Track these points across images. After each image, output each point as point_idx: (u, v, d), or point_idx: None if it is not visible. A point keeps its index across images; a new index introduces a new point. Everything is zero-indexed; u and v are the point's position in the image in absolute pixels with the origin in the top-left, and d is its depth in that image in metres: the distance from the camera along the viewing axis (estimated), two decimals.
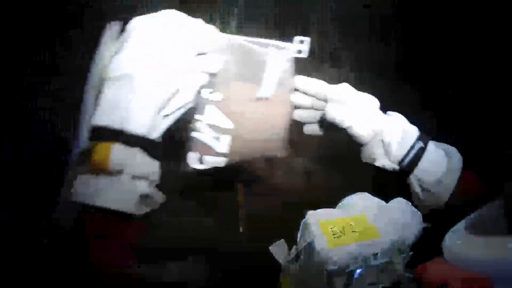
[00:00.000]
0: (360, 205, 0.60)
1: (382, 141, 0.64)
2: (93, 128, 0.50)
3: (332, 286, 0.53)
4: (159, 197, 0.52)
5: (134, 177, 0.50)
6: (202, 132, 0.60)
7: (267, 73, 0.61)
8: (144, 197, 0.50)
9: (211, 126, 0.60)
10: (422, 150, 0.64)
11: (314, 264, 0.53)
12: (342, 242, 0.53)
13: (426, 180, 0.64)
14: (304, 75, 0.67)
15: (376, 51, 1.08)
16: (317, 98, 0.67)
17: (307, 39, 0.63)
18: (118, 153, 0.48)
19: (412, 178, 0.65)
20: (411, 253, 0.56)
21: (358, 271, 0.54)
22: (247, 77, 0.61)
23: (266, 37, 0.63)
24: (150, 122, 0.51)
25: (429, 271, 0.47)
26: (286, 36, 0.64)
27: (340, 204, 0.62)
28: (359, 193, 0.63)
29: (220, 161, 0.62)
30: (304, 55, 0.64)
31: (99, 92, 0.52)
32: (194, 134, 0.60)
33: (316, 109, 0.68)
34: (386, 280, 0.56)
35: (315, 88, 0.66)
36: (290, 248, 0.59)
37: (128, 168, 0.49)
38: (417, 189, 0.65)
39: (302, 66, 0.66)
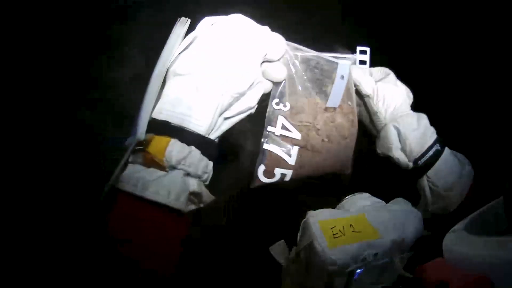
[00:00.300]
0: (360, 205, 0.60)
1: (399, 131, 0.63)
2: (153, 121, 0.50)
3: (332, 286, 0.53)
4: (208, 197, 0.52)
5: (187, 174, 0.49)
6: (273, 144, 0.59)
7: (335, 83, 0.60)
8: (193, 195, 0.50)
9: (282, 137, 0.59)
10: (439, 153, 0.64)
11: (314, 264, 0.53)
12: (342, 242, 0.53)
13: (438, 184, 0.64)
14: None
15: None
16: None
17: (368, 49, 0.64)
18: (174, 148, 0.48)
19: (424, 180, 0.65)
20: (411, 253, 0.57)
21: (358, 271, 0.54)
22: (314, 88, 0.61)
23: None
24: (210, 123, 0.50)
25: (429, 271, 0.47)
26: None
27: (340, 204, 0.62)
28: (359, 193, 0.63)
29: (288, 175, 0.61)
30: (366, 65, 0.65)
31: (162, 85, 0.52)
32: (265, 146, 0.59)
33: None
34: (386, 280, 0.56)
35: (362, 76, 0.64)
36: (290, 249, 0.59)
37: (182, 164, 0.49)
38: (428, 192, 0.65)
39: None
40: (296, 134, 0.60)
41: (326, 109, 0.61)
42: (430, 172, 0.64)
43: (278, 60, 0.57)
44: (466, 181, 0.65)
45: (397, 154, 0.64)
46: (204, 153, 0.51)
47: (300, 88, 0.60)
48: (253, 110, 0.56)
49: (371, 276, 0.55)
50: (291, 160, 0.60)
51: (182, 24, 0.54)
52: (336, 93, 0.60)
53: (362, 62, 0.65)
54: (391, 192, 0.64)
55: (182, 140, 0.49)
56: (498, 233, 0.44)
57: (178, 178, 0.48)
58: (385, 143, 0.64)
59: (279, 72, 0.57)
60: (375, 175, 0.78)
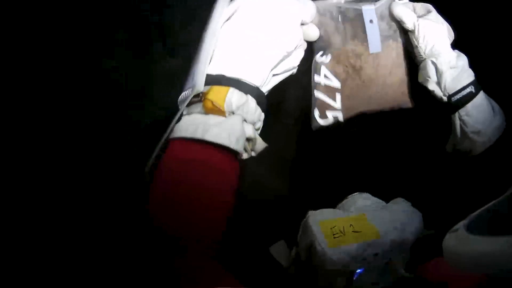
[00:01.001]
0: (360, 205, 0.60)
1: (435, 66, 0.65)
2: (208, 75, 0.53)
3: (333, 286, 0.53)
4: (261, 144, 0.55)
5: (244, 121, 0.53)
6: (320, 91, 0.67)
7: (367, 29, 0.65)
8: (248, 141, 0.54)
9: (326, 86, 0.67)
10: (472, 95, 0.66)
11: (315, 264, 0.53)
12: (342, 242, 0.53)
13: (468, 125, 0.65)
14: None
15: None
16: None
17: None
18: (233, 96, 0.52)
19: (456, 117, 0.66)
20: (411, 253, 0.57)
21: (358, 271, 0.54)
22: (349, 36, 0.66)
23: None
24: (263, 77, 0.55)
25: (429, 271, 0.47)
26: None
27: (340, 204, 0.62)
28: (359, 193, 0.63)
29: (340, 116, 0.68)
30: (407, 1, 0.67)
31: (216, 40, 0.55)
32: (315, 92, 0.67)
33: None
34: (386, 280, 0.56)
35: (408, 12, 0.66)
36: (290, 249, 0.59)
37: (240, 111, 0.52)
38: (458, 130, 0.67)
39: None
40: (336, 83, 0.67)
41: (371, 53, 0.66)
42: (461, 111, 0.65)
43: (311, 21, 0.63)
44: (494, 130, 0.66)
45: (432, 87, 0.66)
46: (258, 104, 0.55)
47: (336, 38, 0.66)
48: (295, 70, 0.62)
49: (371, 276, 0.55)
50: (337, 105, 0.67)
51: None
52: (373, 38, 0.65)
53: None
54: (391, 192, 0.64)
55: (241, 90, 0.53)
56: (498, 233, 0.44)
57: (238, 122, 0.52)
58: (423, 75, 0.67)
59: (313, 32, 0.63)
60: (375, 175, 0.78)
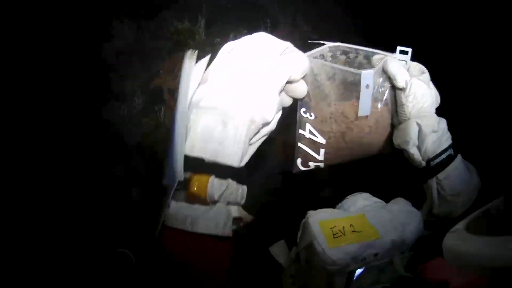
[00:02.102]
0: (360, 205, 0.60)
1: (420, 128, 0.64)
2: (188, 157, 0.52)
3: (333, 286, 0.53)
4: (248, 217, 0.56)
5: (228, 203, 0.54)
6: (304, 144, 0.67)
7: (361, 93, 0.62)
8: (235, 219, 0.55)
9: (310, 140, 0.67)
10: (451, 158, 0.65)
11: (314, 264, 0.53)
12: (342, 242, 0.53)
13: (446, 188, 0.64)
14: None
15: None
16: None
17: (409, 50, 0.65)
18: (214, 185, 0.52)
19: (434, 182, 0.65)
20: (411, 253, 0.57)
21: (358, 271, 0.54)
22: (338, 97, 0.64)
23: None
24: (241, 155, 0.52)
25: (429, 271, 0.47)
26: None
27: (340, 204, 0.62)
28: (359, 193, 0.63)
29: (321, 165, 0.68)
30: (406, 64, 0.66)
31: (188, 120, 0.53)
32: (299, 144, 0.68)
33: None
34: (386, 280, 0.56)
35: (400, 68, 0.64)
36: (290, 249, 0.59)
37: (223, 197, 0.53)
38: (435, 194, 0.65)
39: None
40: (321, 139, 0.66)
41: (360, 117, 0.65)
42: (440, 175, 0.64)
43: (301, 77, 0.59)
44: (473, 190, 0.66)
45: (413, 150, 0.65)
46: (237, 179, 0.54)
47: (324, 98, 0.64)
48: (271, 131, 0.60)
49: (371, 276, 0.55)
50: (320, 157, 0.68)
51: (191, 56, 0.56)
52: (364, 102, 0.63)
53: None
54: (391, 192, 0.64)
55: (217, 170, 0.52)
56: (498, 233, 0.44)
57: (222, 209, 0.53)
58: (404, 136, 0.65)
59: (301, 90, 0.60)
60: (376, 175, 0.78)
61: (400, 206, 0.60)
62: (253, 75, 0.53)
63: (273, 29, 1.23)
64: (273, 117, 0.56)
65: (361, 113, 0.64)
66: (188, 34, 1.17)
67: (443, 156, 0.64)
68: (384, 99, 0.66)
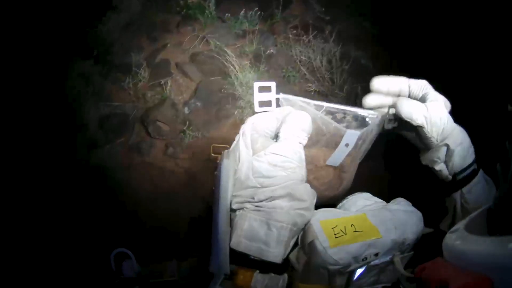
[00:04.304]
0: (361, 205, 0.61)
1: (448, 147, 0.64)
2: (234, 251, 0.56)
3: (334, 284, 0.54)
4: None
5: None
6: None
7: (338, 148, 0.65)
8: None
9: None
10: (475, 172, 0.65)
11: (316, 263, 0.53)
12: (343, 241, 0.53)
13: (470, 201, 0.65)
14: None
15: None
16: (398, 95, 0.66)
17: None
18: (257, 279, 0.55)
19: (458, 195, 0.66)
20: (411, 253, 0.57)
21: (358, 270, 0.54)
22: (322, 144, 0.67)
23: None
24: (284, 253, 0.56)
25: (429, 271, 0.47)
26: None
27: (341, 204, 0.62)
28: (360, 193, 0.64)
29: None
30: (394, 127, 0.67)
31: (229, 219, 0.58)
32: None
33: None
34: (387, 280, 0.56)
35: (399, 86, 0.66)
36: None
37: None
38: (459, 207, 0.66)
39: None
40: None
41: (327, 165, 0.67)
42: (464, 189, 0.65)
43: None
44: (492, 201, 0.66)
45: (440, 167, 0.66)
46: (278, 270, 0.57)
47: (309, 143, 0.65)
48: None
49: (372, 276, 0.56)
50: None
51: (228, 156, 0.60)
52: (337, 156, 0.66)
53: (390, 121, 0.67)
54: (391, 192, 0.64)
55: (263, 271, 0.56)
56: (497, 233, 0.45)
57: None
58: (432, 157, 0.66)
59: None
60: (378, 175, 0.78)
61: (400, 206, 0.60)
62: (285, 170, 0.57)
63: (285, 6, 1.23)
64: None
65: (329, 161, 0.67)
66: (198, 9, 1.17)
67: (469, 170, 0.65)
68: (356, 154, 0.68)
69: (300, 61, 1.17)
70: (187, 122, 1.06)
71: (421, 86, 0.66)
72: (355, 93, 1.11)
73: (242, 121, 0.88)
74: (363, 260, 0.53)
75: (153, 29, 1.15)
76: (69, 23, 0.95)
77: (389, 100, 0.67)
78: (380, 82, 0.65)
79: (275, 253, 0.55)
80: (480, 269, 0.42)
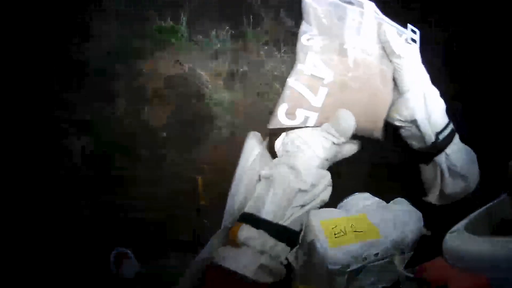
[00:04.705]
0: (361, 205, 0.61)
1: (425, 97, 0.60)
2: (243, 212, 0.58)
3: (333, 285, 0.54)
4: (281, 271, 0.57)
5: (259, 251, 0.55)
6: (299, 81, 0.55)
7: (349, 23, 0.56)
8: (266, 268, 0.55)
9: (311, 76, 0.55)
10: (453, 132, 0.62)
11: (316, 263, 0.53)
12: (343, 241, 0.53)
13: (457, 163, 0.61)
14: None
15: None
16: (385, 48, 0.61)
17: (417, 32, 0.62)
18: (244, 231, 0.55)
19: (443, 157, 0.62)
20: (411, 253, 0.57)
21: (358, 270, 0.54)
22: (347, 33, 0.57)
23: None
24: (277, 211, 0.56)
25: (429, 271, 0.47)
26: None
27: (341, 204, 0.62)
28: (359, 193, 0.63)
29: (313, 118, 0.56)
30: (417, 44, 0.62)
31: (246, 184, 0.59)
32: (291, 82, 0.55)
33: None
34: (386, 280, 0.56)
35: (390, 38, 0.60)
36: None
37: (252, 243, 0.55)
38: (446, 172, 0.62)
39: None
40: (327, 74, 0.55)
41: (359, 61, 0.57)
42: (448, 150, 0.61)
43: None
44: (476, 167, 0.63)
45: (424, 123, 0.61)
46: (272, 235, 0.56)
47: (334, 29, 0.56)
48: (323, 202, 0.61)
49: (371, 276, 0.56)
50: (317, 101, 0.56)
51: (253, 137, 0.61)
52: (351, 32, 0.56)
53: (413, 40, 0.62)
54: (391, 192, 0.64)
55: (254, 225, 0.56)
56: (497, 233, 0.45)
57: (248, 254, 0.55)
58: (410, 108, 0.61)
59: (348, 150, 0.63)
60: (378, 175, 0.78)
61: (400, 206, 0.60)
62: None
63: (256, 24, 1.23)
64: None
65: (346, 44, 0.56)
66: (170, 32, 1.18)
67: (448, 129, 0.62)
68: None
69: (273, 77, 1.19)
70: (166, 146, 1.07)
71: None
72: None
73: (221, 141, 0.90)
74: (363, 260, 0.53)
75: (129, 55, 1.17)
76: (48, 51, 0.96)
77: None
78: None
79: (268, 209, 0.56)
80: (480, 270, 0.43)
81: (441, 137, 0.61)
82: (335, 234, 0.53)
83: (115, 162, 1.04)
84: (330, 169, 0.63)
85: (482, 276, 0.42)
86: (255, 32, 1.26)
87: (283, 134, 0.59)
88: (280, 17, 1.27)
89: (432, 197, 0.65)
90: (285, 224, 0.56)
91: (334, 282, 0.53)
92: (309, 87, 0.55)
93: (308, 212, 0.57)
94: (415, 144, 0.64)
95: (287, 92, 0.55)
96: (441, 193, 0.65)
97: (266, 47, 1.24)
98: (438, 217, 0.67)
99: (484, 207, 0.52)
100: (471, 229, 0.48)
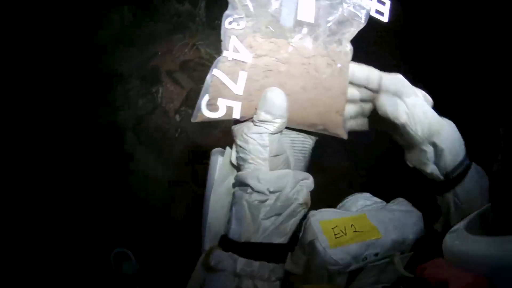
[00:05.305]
0: (361, 205, 0.61)
1: (435, 145, 0.59)
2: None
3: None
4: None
5: (232, 274, 0.53)
6: (221, 69, 0.51)
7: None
8: None
9: (233, 62, 0.51)
10: (467, 168, 0.61)
11: (316, 264, 0.53)
12: (343, 242, 0.53)
13: (463, 198, 0.61)
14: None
15: None
16: (367, 88, 0.59)
17: (388, 2, 0.57)
18: (216, 255, 0.54)
19: (451, 195, 0.62)
20: (411, 253, 0.57)
21: (358, 271, 0.54)
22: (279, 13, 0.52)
23: None
24: (244, 229, 0.53)
25: (429, 271, 0.47)
26: None
27: (341, 204, 0.62)
28: (359, 193, 0.64)
29: (237, 108, 0.52)
30: (384, 17, 0.57)
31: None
32: (213, 71, 0.51)
33: (364, 101, 0.61)
34: (386, 280, 0.56)
35: (368, 75, 0.58)
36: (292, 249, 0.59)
37: (222, 266, 0.54)
38: (452, 208, 0.62)
39: None
40: (246, 56, 0.50)
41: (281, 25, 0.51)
42: (458, 188, 0.61)
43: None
44: (485, 195, 0.61)
45: (431, 168, 0.60)
46: (244, 254, 0.55)
47: (260, 8, 0.51)
48: None
49: (372, 276, 0.56)
50: (238, 88, 0.51)
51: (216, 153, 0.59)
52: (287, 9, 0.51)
53: (379, 13, 0.57)
54: (392, 192, 0.64)
55: (225, 248, 0.54)
56: (497, 233, 0.45)
57: (222, 279, 0.53)
58: (421, 159, 0.60)
59: None
60: (377, 175, 0.78)
61: (400, 206, 0.61)
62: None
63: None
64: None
65: (282, 20, 0.51)
66: (188, 16, 1.17)
67: (461, 167, 0.60)
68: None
69: None
70: (179, 130, 1.07)
71: (396, 80, 0.58)
72: None
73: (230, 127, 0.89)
74: (363, 260, 0.53)
75: (144, 38, 1.17)
76: (61, 36, 0.95)
77: (355, 93, 0.60)
78: None
79: (235, 228, 0.53)
80: (480, 270, 0.43)
81: (451, 176, 0.60)
82: (335, 234, 0.53)
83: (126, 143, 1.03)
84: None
85: (481, 276, 0.42)
86: None
87: (234, 146, 0.56)
88: None
89: (438, 226, 0.65)
90: (259, 240, 0.53)
91: (334, 282, 0.53)
92: (230, 74, 0.51)
93: (292, 216, 0.54)
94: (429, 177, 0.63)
95: (208, 82, 0.51)
96: (446, 225, 0.63)
97: None
98: (438, 217, 0.68)
99: (484, 207, 0.52)
100: (471, 229, 0.48)
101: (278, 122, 0.52)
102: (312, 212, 0.57)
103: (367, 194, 0.63)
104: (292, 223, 0.54)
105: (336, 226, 0.54)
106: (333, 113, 0.57)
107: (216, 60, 0.51)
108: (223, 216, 0.57)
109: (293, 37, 0.52)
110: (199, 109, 0.51)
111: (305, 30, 0.53)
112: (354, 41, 0.58)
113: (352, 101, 0.61)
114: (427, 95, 0.61)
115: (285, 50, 0.52)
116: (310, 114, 0.55)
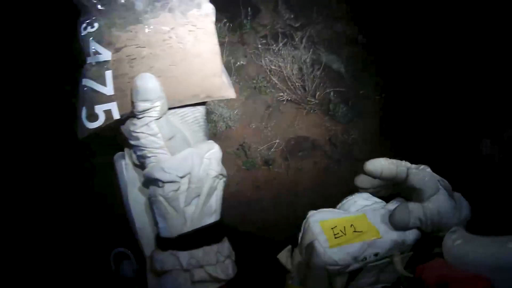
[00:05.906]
0: (361, 205, 0.61)
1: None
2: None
3: (333, 285, 0.54)
4: (225, 271, 0.55)
5: (181, 270, 0.53)
6: (88, 76, 0.51)
7: None
8: (204, 281, 0.54)
9: (96, 66, 0.50)
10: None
11: (315, 264, 0.53)
12: (343, 242, 0.53)
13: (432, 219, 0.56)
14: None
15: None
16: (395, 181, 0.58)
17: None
18: (157, 259, 0.54)
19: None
20: (411, 253, 0.57)
21: (358, 271, 0.54)
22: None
23: None
24: (172, 223, 0.54)
25: (429, 271, 0.47)
26: None
27: (341, 204, 0.62)
28: (359, 193, 0.63)
29: (114, 110, 0.51)
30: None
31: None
32: (83, 82, 0.50)
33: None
34: (386, 280, 0.56)
35: (396, 175, 0.58)
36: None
37: (167, 266, 0.54)
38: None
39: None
40: (106, 54, 0.50)
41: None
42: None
43: None
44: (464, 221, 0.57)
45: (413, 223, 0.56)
46: (182, 247, 0.55)
47: (110, 2, 0.50)
48: None
49: (371, 276, 0.55)
50: (108, 89, 0.51)
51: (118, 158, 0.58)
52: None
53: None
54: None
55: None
56: (497, 233, 0.45)
57: (170, 279, 0.54)
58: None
59: None
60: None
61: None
62: None
63: (254, 16, 1.21)
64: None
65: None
66: None
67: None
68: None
69: (270, 71, 1.17)
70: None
71: (421, 177, 0.56)
72: (328, 98, 1.09)
73: (215, 135, 0.89)
74: (362, 260, 0.53)
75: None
76: (61, 36, 0.95)
77: (380, 183, 0.61)
78: (373, 166, 0.58)
79: (162, 228, 0.54)
80: (480, 269, 0.43)
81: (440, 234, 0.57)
82: (334, 234, 0.53)
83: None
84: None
85: (482, 276, 0.42)
86: (252, 24, 1.24)
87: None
88: (278, 9, 1.25)
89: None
90: (191, 227, 0.53)
91: (334, 282, 0.53)
92: (98, 78, 0.50)
93: (212, 192, 0.54)
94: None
95: (81, 94, 0.51)
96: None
97: (264, 41, 1.22)
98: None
99: (483, 208, 0.51)
100: (471, 229, 0.48)
101: (158, 105, 0.51)
102: (312, 213, 0.57)
103: (367, 194, 0.63)
104: (216, 198, 0.54)
105: (336, 226, 0.54)
106: (211, 77, 0.56)
107: (82, 70, 0.51)
108: (149, 218, 0.56)
109: (147, 18, 0.52)
110: (82, 124, 0.51)
111: (157, 5, 0.52)
112: None
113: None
114: (446, 182, 0.58)
115: (142, 34, 0.52)
116: (189, 87, 0.55)
